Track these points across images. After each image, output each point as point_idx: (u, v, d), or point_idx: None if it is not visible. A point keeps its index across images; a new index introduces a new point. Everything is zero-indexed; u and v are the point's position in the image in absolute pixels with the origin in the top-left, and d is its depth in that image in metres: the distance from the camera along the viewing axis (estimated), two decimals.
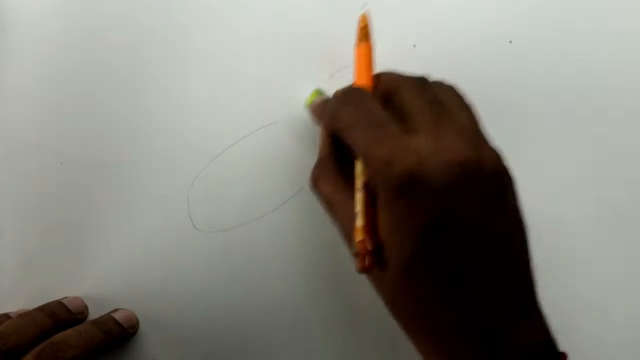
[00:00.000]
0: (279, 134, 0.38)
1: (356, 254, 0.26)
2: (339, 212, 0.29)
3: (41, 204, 0.38)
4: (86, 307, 0.37)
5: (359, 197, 0.27)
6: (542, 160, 0.38)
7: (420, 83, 0.29)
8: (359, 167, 0.28)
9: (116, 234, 0.38)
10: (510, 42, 0.38)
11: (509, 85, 0.38)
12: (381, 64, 0.38)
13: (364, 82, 0.31)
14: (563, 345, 0.28)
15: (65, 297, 0.37)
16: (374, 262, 0.26)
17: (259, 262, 0.38)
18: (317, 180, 0.31)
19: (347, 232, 0.28)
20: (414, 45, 0.38)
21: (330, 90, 0.37)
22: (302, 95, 0.38)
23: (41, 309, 0.35)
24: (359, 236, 0.26)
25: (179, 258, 0.38)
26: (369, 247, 0.26)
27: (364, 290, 0.37)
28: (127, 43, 0.39)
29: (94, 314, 0.37)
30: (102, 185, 0.38)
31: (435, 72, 0.38)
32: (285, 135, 0.38)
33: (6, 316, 0.35)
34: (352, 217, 0.27)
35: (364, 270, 0.26)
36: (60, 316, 0.35)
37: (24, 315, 0.34)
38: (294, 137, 0.38)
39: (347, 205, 0.28)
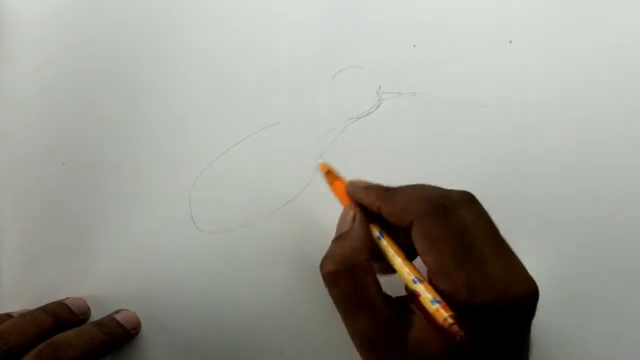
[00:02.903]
0: (281, 134, 0.38)
1: (451, 327, 0.25)
2: (364, 313, 0.28)
3: (43, 204, 0.38)
4: (88, 308, 0.37)
5: (425, 285, 0.27)
6: (542, 160, 0.38)
7: (476, 205, 0.29)
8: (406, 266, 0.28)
9: (118, 234, 0.38)
10: (510, 42, 0.38)
11: (509, 85, 0.38)
12: (382, 64, 0.38)
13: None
14: None
15: (68, 298, 0.37)
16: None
17: (261, 262, 0.38)
18: (346, 273, 0.28)
19: (368, 338, 0.27)
20: (414, 46, 0.38)
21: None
22: (302, 95, 0.38)
23: (43, 309, 0.35)
24: (444, 313, 0.25)
25: (181, 259, 0.38)
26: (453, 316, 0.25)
27: None
28: (128, 44, 0.39)
29: (95, 314, 0.37)
30: (104, 186, 0.38)
31: (435, 72, 0.38)
32: (287, 136, 0.38)
33: (8, 316, 0.35)
34: (383, 323, 0.27)
35: (464, 336, 0.25)
36: (61, 316, 0.35)
37: (26, 315, 0.34)
38: (297, 137, 0.38)
39: (380, 307, 0.27)
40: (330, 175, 0.35)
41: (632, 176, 0.38)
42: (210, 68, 0.39)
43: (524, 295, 0.27)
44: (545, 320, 0.36)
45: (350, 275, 0.28)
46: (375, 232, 0.30)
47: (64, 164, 0.38)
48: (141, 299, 0.37)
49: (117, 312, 0.37)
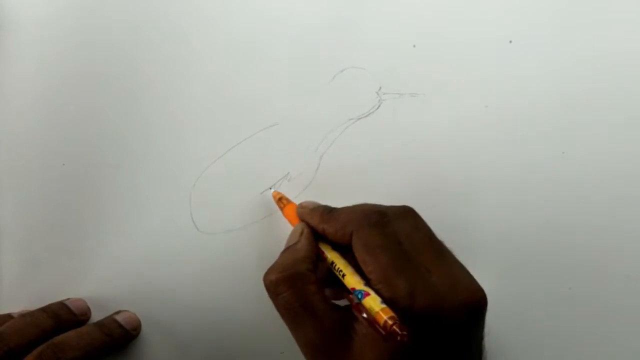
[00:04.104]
0: (281, 135, 0.38)
1: (392, 328, 0.25)
2: (308, 321, 0.28)
3: (44, 205, 0.38)
4: (88, 309, 0.37)
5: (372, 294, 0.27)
6: (542, 160, 0.38)
7: (414, 217, 0.30)
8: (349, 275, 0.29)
9: (118, 235, 0.38)
10: (510, 42, 0.38)
11: (509, 86, 0.38)
12: (382, 65, 0.38)
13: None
14: None
15: (68, 299, 0.37)
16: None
17: (261, 263, 0.37)
18: (287, 281, 0.29)
19: (313, 346, 0.28)
20: (414, 46, 0.38)
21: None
22: (303, 96, 0.38)
23: (44, 309, 0.35)
24: (384, 315, 0.26)
25: (181, 259, 0.38)
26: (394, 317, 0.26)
27: None
28: (128, 45, 0.39)
29: (96, 315, 0.37)
30: (104, 187, 0.38)
31: (435, 72, 0.38)
32: (287, 137, 0.38)
33: (9, 316, 0.35)
34: (327, 331, 0.28)
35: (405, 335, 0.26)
36: (62, 317, 0.35)
37: (26, 316, 0.34)
38: (297, 138, 0.38)
39: (323, 316, 0.28)
40: (282, 201, 0.36)
41: (633, 175, 0.38)
42: (209, 69, 0.39)
43: (468, 303, 0.27)
44: (502, 329, 0.36)
45: (292, 284, 0.29)
46: (324, 248, 0.31)
47: (64, 164, 0.38)
48: (141, 299, 0.37)
49: (117, 312, 0.37)
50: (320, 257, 0.31)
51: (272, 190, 0.37)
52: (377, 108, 0.38)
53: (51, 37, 0.39)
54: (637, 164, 0.38)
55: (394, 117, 0.38)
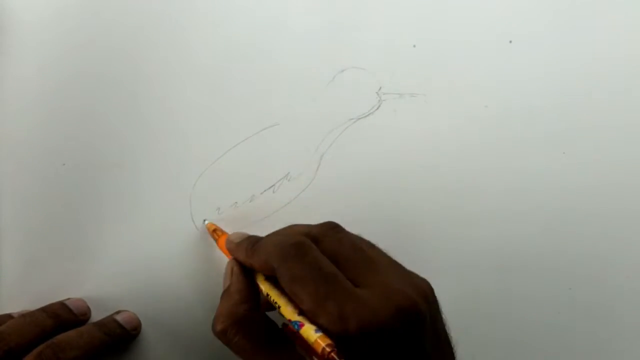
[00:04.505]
0: (281, 135, 0.38)
1: (330, 355, 0.26)
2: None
3: (43, 205, 0.38)
4: (88, 309, 0.37)
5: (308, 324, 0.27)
6: (542, 160, 0.38)
7: (335, 231, 0.31)
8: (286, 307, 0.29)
9: (118, 235, 0.38)
10: (510, 42, 0.38)
11: (509, 86, 0.38)
12: (382, 65, 0.38)
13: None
14: None
15: (68, 299, 0.37)
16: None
17: None
18: (233, 328, 0.29)
19: None
20: (414, 46, 0.38)
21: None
22: (303, 96, 0.38)
23: (44, 309, 0.35)
24: (322, 343, 0.26)
25: (181, 260, 0.38)
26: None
27: None
28: (129, 46, 0.39)
29: (96, 315, 0.37)
30: (104, 187, 0.38)
31: (435, 72, 0.38)
32: (287, 137, 0.38)
33: (9, 316, 0.35)
34: None
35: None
36: (62, 317, 0.35)
37: (26, 316, 0.34)
38: (297, 138, 0.38)
39: (281, 352, 0.29)
40: (216, 232, 0.36)
41: (634, 175, 0.38)
42: (210, 69, 0.39)
43: (402, 310, 0.26)
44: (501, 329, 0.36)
45: (237, 329, 0.29)
46: (258, 280, 0.31)
47: (64, 164, 0.38)
48: (141, 299, 0.37)
49: (117, 312, 0.37)
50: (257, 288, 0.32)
51: (207, 222, 0.37)
52: (377, 108, 0.38)
53: (51, 38, 0.39)
54: (637, 164, 0.38)
55: (394, 117, 0.38)
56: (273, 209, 0.38)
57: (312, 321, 0.27)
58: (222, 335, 0.29)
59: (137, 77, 0.39)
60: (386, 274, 0.28)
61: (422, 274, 0.37)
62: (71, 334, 0.33)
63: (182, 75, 0.39)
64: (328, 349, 0.25)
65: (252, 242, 0.32)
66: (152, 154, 0.38)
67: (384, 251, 0.31)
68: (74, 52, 0.39)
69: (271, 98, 0.38)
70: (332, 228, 0.31)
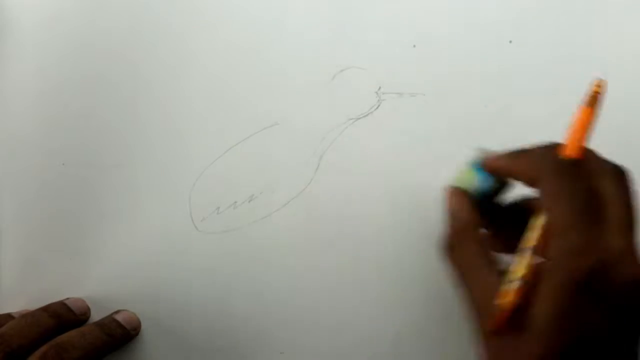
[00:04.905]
0: (281, 135, 0.38)
1: (497, 311, 0.25)
2: (475, 281, 0.28)
3: (43, 205, 0.38)
4: (88, 309, 0.37)
5: (525, 259, 0.26)
6: None
7: (623, 175, 0.27)
8: (533, 231, 0.27)
9: (118, 235, 0.38)
10: (510, 42, 0.38)
11: (508, 86, 0.38)
12: (382, 64, 0.38)
13: (574, 148, 0.29)
14: None
15: (68, 298, 0.37)
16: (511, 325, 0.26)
17: (261, 263, 0.38)
18: (455, 247, 0.30)
19: (481, 304, 0.27)
20: (414, 46, 0.38)
21: None
22: (302, 96, 0.38)
23: (44, 309, 0.35)
24: (507, 297, 0.25)
25: (180, 259, 0.38)
26: (510, 309, 0.25)
27: (364, 289, 0.37)
28: (128, 46, 0.39)
29: (95, 315, 0.37)
30: (103, 186, 0.38)
31: (435, 72, 0.38)
32: (287, 137, 0.38)
33: (9, 316, 0.35)
34: (491, 287, 0.27)
35: (498, 328, 0.25)
36: (63, 317, 0.35)
37: (27, 316, 0.34)
38: (296, 138, 0.38)
39: (489, 276, 0.28)
40: (594, 97, 0.29)
41: (634, 175, 0.38)
42: (209, 68, 0.39)
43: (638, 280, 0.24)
44: None
45: (474, 242, 0.29)
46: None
47: (63, 164, 0.38)
48: (141, 299, 0.38)
49: (117, 312, 0.37)
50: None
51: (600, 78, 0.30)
52: (377, 108, 0.38)
53: (51, 39, 0.39)
54: (638, 161, 0.38)
55: (393, 117, 0.38)
56: (272, 208, 0.38)
57: (548, 242, 0.25)
58: (456, 246, 0.30)
59: (137, 77, 0.39)
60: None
61: (422, 274, 0.37)
62: (73, 334, 0.34)
63: (181, 75, 0.39)
64: (500, 308, 0.25)
65: (517, 151, 0.30)
66: (152, 153, 0.38)
67: None
68: (74, 53, 0.39)
69: (270, 98, 0.38)
70: (620, 172, 0.27)
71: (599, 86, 0.29)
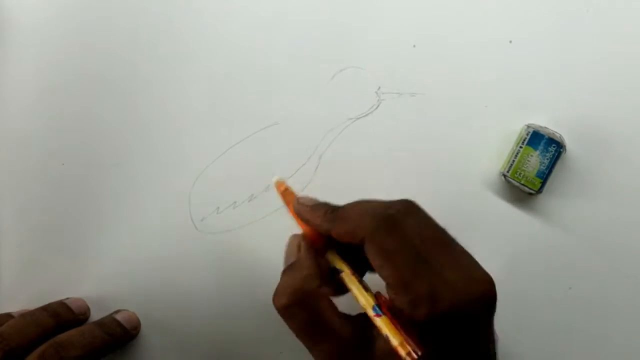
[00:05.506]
0: (280, 134, 0.38)
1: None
2: (326, 338, 0.28)
3: (43, 205, 0.38)
4: (88, 308, 0.37)
5: (384, 320, 0.27)
6: None
7: (418, 211, 0.29)
8: (363, 296, 0.28)
9: (118, 234, 0.38)
10: (510, 42, 0.38)
11: (508, 86, 0.38)
12: (381, 65, 0.38)
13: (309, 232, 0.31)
14: None
15: (68, 298, 0.37)
16: None
17: (260, 262, 0.38)
18: (298, 301, 0.28)
19: None
20: (414, 45, 0.38)
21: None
22: (302, 95, 0.38)
23: (44, 308, 0.35)
24: (403, 350, 0.26)
25: (180, 259, 0.38)
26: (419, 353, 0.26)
27: None
28: (128, 45, 0.39)
29: (95, 314, 0.37)
30: (103, 186, 0.38)
31: (435, 72, 0.38)
32: (287, 136, 0.38)
33: (9, 316, 0.35)
34: (347, 344, 0.27)
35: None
36: (62, 316, 0.35)
37: (27, 315, 0.34)
38: (296, 137, 0.38)
39: (340, 330, 0.28)
40: (287, 192, 0.33)
41: (634, 174, 0.38)
42: (209, 68, 0.39)
43: (484, 294, 0.27)
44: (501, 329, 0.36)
45: (305, 306, 0.28)
46: (336, 262, 0.30)
47: (63, 164, 0.38)
48: (141, 299, 0.38)
49: (117, 312, 0.37)
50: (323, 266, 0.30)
51: (276, 179, 0.34)
52: (377, 108, 0.38)
53: (51, 38, 0.39)
54: (637, 160, 0.38)
55: (393, 117, 0.38)
56: (272, 208, 0.38)
57: (391, 297, 0.27)
58: (285, 310, 0.28)
59: (136, 77, 0.39)
60: (465, 258, 0.28)
61: None
62: (73, 333, 0.34)
63: (181, 75, 0.39)
64: (414, 355, 0.25)
65: (332, 208, 0.30)
66: (151, 153, 0.38)
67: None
68: (73, 53, 0.39)
69: (270, 97, 0.38)
70: (412, 206, 0.29)
71: (279, 185, 0.33)
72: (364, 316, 0.28)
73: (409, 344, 0.26)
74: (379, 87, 0.38)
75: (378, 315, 0.27)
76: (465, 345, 0.27)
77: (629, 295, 0.38)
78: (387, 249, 0.27)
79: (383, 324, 0.27)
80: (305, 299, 0.28)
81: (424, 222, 0.29)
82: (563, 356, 0.38)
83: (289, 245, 0.32)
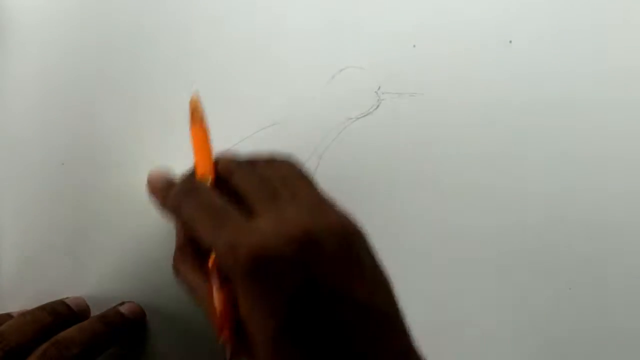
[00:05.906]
0: (280, 134, 0.38)
1: (225, 344, 0.27)
2: (204, 298, 0.29)
3: (43, 205, 0.38)
4: (88, 307, 0.37)
5: (214, 286, 0.28)
6: (542, 159, 0.38)
7: (251, 164, 0.30)
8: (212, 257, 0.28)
9: (117, 234, 0.38)
10: (510, 42, 0.38)
11: (508, 86, 0.38)
12: (381, 64, 0.38)
13: (202, 168, 0.31)
14: None
15: (68, 297, 0.37)
16: (240, 347, 0.27)
17: None
18: (178, 268, 0.31)
19: (214, 318, 0.28)
20: (414, 46, 0.38)
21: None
22: (302, 95, 0.38)
23: (43, 307, 0.35)
24: (221, 325, 0.27)
25: None
26: (227, 336, 0.27)
27: None
28: (128, 45, 0.39)
29: (95, 314, 0.37)
30: (103, 187, 0.38)
31: (435, 72, 0.38)
32: (286, 136, 0.38)
33: (8, 316, 0.35)
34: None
35: (233, 357, 0.27)
36: (62, 315, 0.35)
37: (26, 314, 0.34)
38: (296, 137, 0.38)
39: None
40: (195, 115, 0.31)
41: (634, 174, 0.38)
42: (209, 69, 0.39)
43: (293, 241, 0.25)
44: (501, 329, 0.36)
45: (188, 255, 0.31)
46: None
47: (63, 164, 0.38)
48: (141, 299, 0.38)
49: (121, 304, 0.37)
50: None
51: (195, 92, 0.32)
52: (376, 108, 0.38)
53: (52, 38, 0.39)
54: (638, 162, 0.38)
55: (393, 117, 0.38)
56: None
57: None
58: (180, 264, 0.31)
59: (137, 77, 0.39)
60: (292, 205, 0.27)
61: (420, 272, 0.37)
62: (72, 330, 0.34)
63: (181, 75, 0.39)
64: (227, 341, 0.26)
65: (167, 188, 0.32)
66: (151, 153, 0.38)
67: (315, 183, 0.29)
68: (74, 53, 0.39)
69: (270, 97, 0.38)
70: (249, 161, 0.30)
71: (193, 103, 0.31)
72: None
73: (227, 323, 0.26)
74: (379, 87, 0.38)
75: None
76: (283, 289, 0.25)
77: (629, 295, 0.38)
78: (191, 216, 0.28)
79: (215, 290, 0.27)
80: (185, 263, 0.31)
81: (250, 175, 0.29)
82: (563, 356, 0.38)
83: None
